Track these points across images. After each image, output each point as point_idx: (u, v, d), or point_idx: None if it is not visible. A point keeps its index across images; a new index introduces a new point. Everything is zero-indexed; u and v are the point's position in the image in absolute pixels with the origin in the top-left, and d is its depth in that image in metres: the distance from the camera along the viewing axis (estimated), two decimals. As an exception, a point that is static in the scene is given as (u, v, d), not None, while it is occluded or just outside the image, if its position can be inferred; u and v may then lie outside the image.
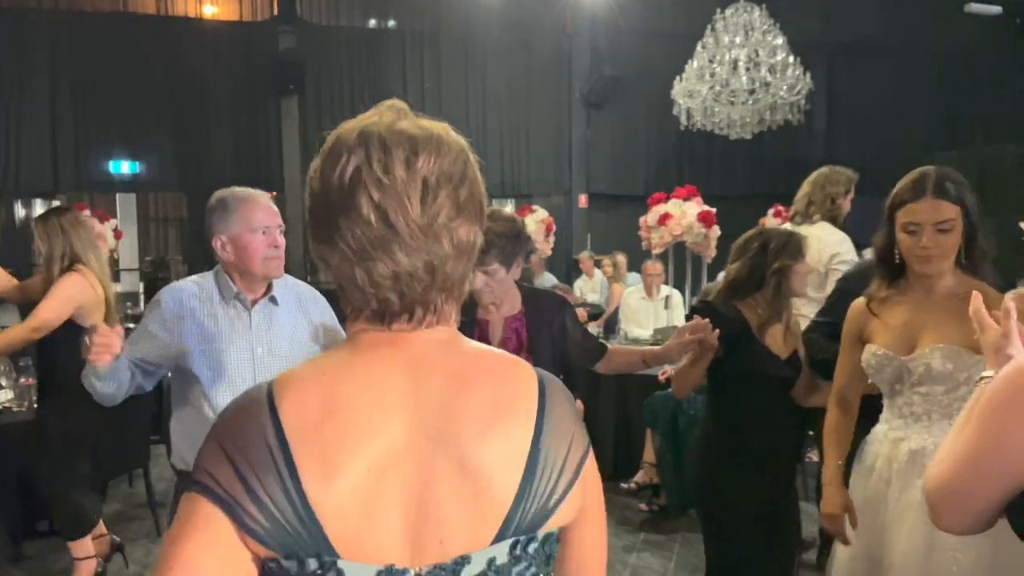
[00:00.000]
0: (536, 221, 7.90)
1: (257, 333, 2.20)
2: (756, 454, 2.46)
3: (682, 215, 5.91)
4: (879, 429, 2.09)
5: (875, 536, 1.99)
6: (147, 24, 9.95)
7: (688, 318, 2.56)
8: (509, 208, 10.92)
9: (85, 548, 3.40)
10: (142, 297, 8.65)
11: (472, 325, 2.34)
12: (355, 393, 0.86)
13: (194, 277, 2.31)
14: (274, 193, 10.87)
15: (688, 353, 2.39)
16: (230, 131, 10.21)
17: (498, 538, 0.85)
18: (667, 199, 6.09)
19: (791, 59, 7.53)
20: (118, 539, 3.63)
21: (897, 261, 2.00)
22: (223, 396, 2.11)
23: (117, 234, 7.89)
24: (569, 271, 10.11)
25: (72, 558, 3.38)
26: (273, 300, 2.25)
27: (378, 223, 0.85)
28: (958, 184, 1.92)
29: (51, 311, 3.13)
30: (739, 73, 7.47)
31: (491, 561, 0.85)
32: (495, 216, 2.31)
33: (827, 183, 3.51)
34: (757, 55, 7.48)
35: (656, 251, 6.12)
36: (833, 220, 3.49)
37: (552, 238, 8.69)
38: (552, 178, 11.60)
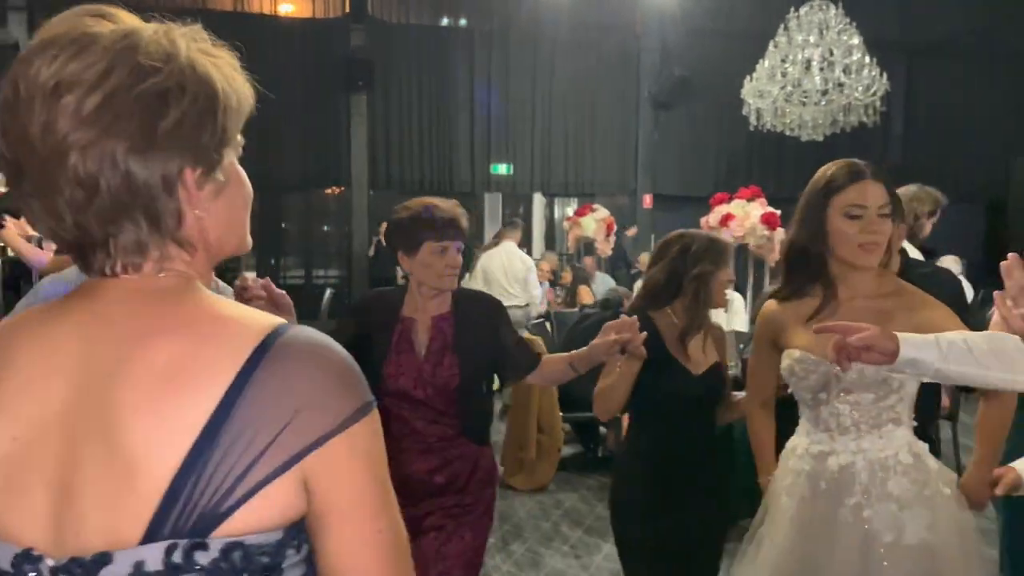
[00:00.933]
0: (596, 220, 7.84)
1: None
2: (670, 478, 2.25)
3: (745, 216, 5.80)
4: (798, 443, 1.90)
5: (798, 561, 1.82)
6: (224, 20, 10.24)
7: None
8: (571, 209, 10.87)
9: None
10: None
11: (394, 323, 2.18)
12: (27, 348, 0.76)
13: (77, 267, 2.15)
14: (340, 189, 11.07)
15: (613, 354, 2.14)
16: (300, 127, 10.41)
17: (147, 538, 0.68)
18: (730, 199, 5.98)
19: (867, 59, 7.30)
20: None
21: (815, 254, 1.82)
22: None
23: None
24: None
25: None
26: None
27: (8, 151, 0.73)
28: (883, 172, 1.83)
29: None
30: (812, 73, 7.28)
31: (139, 565, 0.67)
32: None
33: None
34: (831, 55, 7.27)
35: (719, 253, 6.00)
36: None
37: (613, 238, 8.62)
38: (617, 178, 11.50)
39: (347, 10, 10.56)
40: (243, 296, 1.78)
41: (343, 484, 0.73)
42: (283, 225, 12.53)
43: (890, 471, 1.75)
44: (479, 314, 2.25)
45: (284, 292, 1.80)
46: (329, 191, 11.24)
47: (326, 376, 0.73)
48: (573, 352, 2.24)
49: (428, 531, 2.15)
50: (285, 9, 10.76)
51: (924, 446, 1.83)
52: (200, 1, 10.34)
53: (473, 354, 2.18)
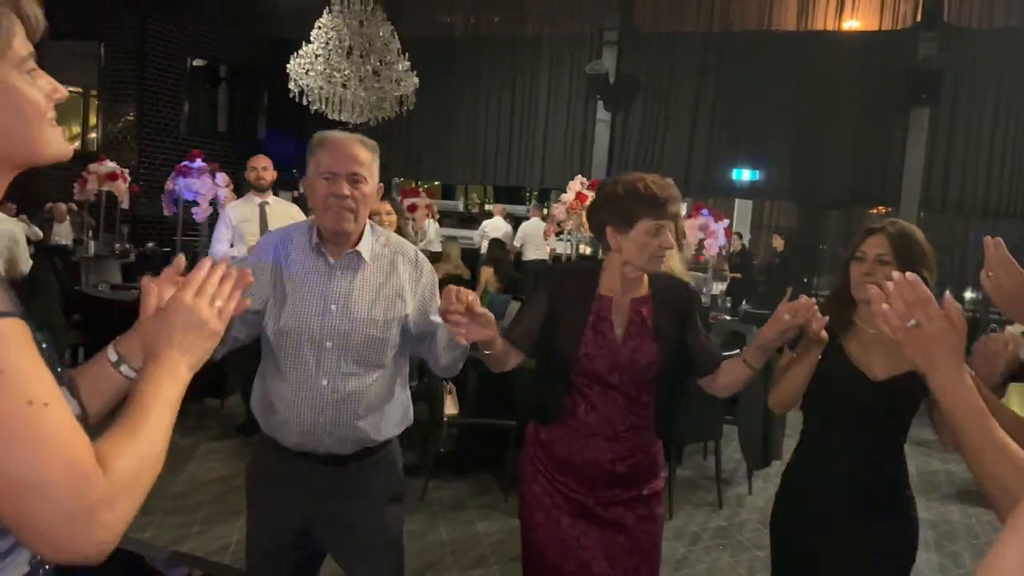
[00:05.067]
0: None
1: (335, 289, 1.97)
2: None
3: None
4: None
5: None
6: (786, 40, 10.53)
7: None
8: None
9: None
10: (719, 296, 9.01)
11: (590, 300, 2.06)
12: None
13: (297, 224, 2.16)
14: (886, 209, 10.48)
15: (786, 340, 1.94)
16: (851, 143, 10.16)
17: None
18: None
19: None
20: None
21: None
22: (286, 348, 1.96)
23: (727, 233, 8.53)
24: None
25: None
26: (358, 255, 2.00)
27: None
28: None
29: None
30: None
31: None
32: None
33: None
34: None
35: None
36: None
37: None
38: None
39: (918, 19, 9.93)
40: (441, 309, 1.80)
41: None
42: (821, 245, 12.37)
43: None
44: (676, 301, 2.13)
45: (486, 311, 1.81)
46: (874, 211, 10.73)
47: None
48: (746, 348, 2.08)
49: (611, 524, 2.07)
50: (849, 24, 10.58)
51: None
52: (766, 22, 10.78)
53: (671, 341, 2.07)
